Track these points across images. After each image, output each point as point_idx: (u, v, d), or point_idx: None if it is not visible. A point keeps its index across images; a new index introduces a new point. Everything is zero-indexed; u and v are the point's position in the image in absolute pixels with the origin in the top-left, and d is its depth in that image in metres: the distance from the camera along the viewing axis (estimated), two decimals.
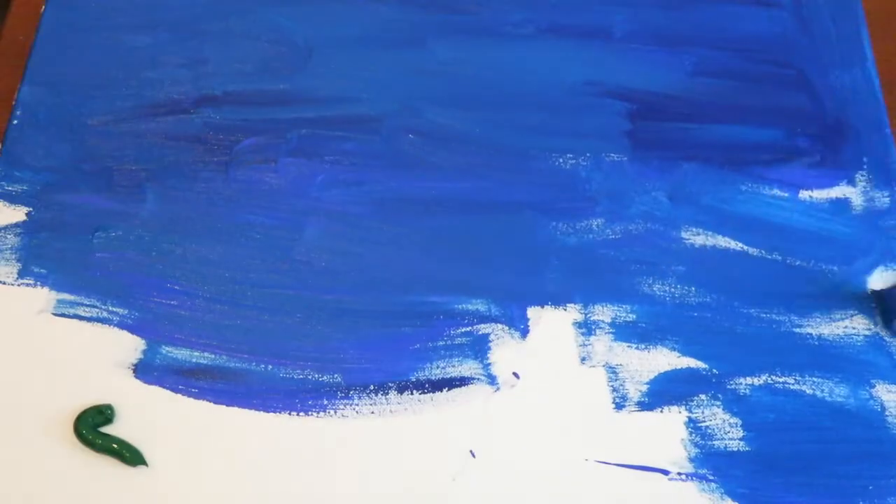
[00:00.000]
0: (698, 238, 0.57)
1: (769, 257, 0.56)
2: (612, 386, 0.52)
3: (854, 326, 0.54)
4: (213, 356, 0.52)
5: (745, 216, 0.57)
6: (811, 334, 0.54)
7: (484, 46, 0.63)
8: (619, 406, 0.51)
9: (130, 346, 0.52)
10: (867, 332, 0.54)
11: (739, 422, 0.51)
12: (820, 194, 0.58)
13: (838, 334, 0.54)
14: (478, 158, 0.59)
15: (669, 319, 0.54)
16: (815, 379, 0.52)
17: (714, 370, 0.53)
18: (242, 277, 0.55)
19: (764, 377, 0.52)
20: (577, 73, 0.62)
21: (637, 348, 0.53)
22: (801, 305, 0.55)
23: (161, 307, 0.54)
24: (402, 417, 0.51)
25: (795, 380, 0.52)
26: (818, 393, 0.52)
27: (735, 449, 0.50)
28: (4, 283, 0.54)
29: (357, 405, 0.51)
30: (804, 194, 0.58)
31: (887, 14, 0.65)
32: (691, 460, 0.50)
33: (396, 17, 0.64)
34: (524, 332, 0.53)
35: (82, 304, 0.54)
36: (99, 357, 0.52)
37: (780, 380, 0.52)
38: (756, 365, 0.53)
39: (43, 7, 0.64)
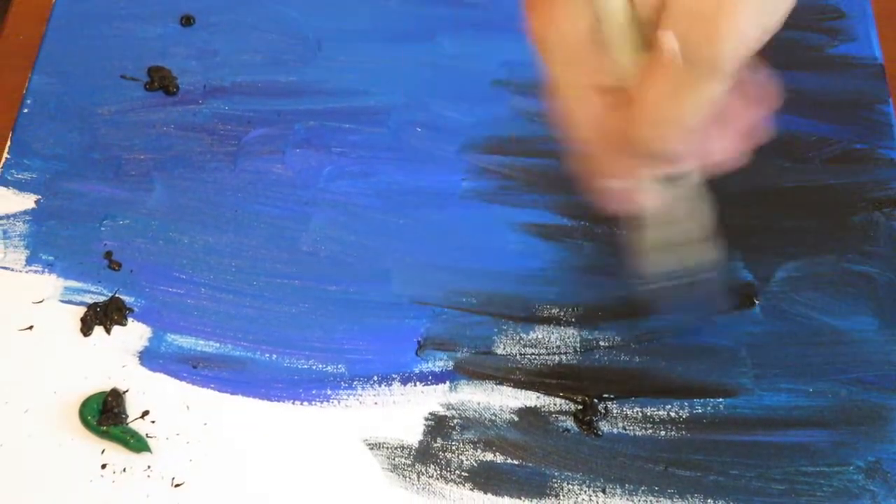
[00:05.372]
0: None
1: None
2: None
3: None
4: (217, 344, 0.53)
5: None
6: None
7: (493, 40, 0.63)
8: (621, 403, 0.51)
9: (136, 333, 0.53)
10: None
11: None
12: None
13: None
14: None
15: None
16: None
17: None
18: (248, 267, 0.55)
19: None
20: None
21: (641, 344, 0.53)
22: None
23: (167, 295, 0.54)
24: (406, 408, 0.51)
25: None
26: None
27: None
28: (12, 270, 0.55)
29: (360, 395, 0.51)
30: None
31: (889, 14, 0.64)
32: None
33: (405, 10, 0.64)
34: (528, 326, 0.53)
35: (89, 292, 0.54)
36: (104, 344, 0.52)
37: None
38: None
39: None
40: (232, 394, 0.51)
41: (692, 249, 0.46)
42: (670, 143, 0.36)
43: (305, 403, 0.51)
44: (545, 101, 0.39)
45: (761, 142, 0.40)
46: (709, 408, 0.51)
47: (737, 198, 0.57)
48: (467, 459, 0.49)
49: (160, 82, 0.61)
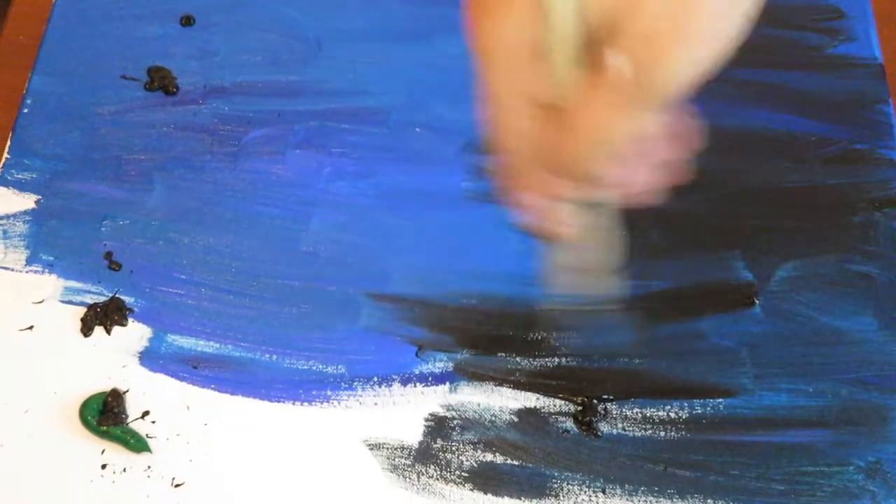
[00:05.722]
0: None
1: None
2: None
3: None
4: (218, 345, 0.53)
5: None
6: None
7: None
8: (620, 404, 0.51)
9: (136, 334, 0.53)
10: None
11: None
12: None
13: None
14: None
15: None
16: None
17: None
18: (249, 268, 0.55)
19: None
20: None
21: None
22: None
23: (167, 296, 0.54)
24: (406, 409, 0.51)
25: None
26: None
27: None
28: (13, 270, 0.55)
29: (360, 396, 0.51)
30: None
31: (889, 14, 0.64)
32: None
33: (405, 10, 0.64)
34: (528, 327, 0.53)
35: (89, 292, 0.54)
36: (105, 344, 0.52)
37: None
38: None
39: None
40: (232, 394, 0.51)
41: (598, 279, 0.46)
42: (599, 164, 0.36)
43: (305, 404, 0.51)
44: (480, 110, 0.38)
45: (678, 181, 0.39)
46: (709, 408, 0.51)
47: (737, 198, 0.57)
48: (467, 460, 0.49)
49: (160, 82, 0.61)
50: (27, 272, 0.55)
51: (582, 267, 0.46)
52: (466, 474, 0.49)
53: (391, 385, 0.51)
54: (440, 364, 0.52)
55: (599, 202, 0.40)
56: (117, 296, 0.54)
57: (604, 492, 0.49)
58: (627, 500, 0.48)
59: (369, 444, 0.50)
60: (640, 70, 0.31)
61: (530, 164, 0.38)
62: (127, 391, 0.51)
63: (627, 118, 0.33)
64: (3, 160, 0.58)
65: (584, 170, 0.36)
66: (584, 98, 0.34)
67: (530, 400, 0.51)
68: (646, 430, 0.50)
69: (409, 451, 0.50)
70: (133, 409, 0.51)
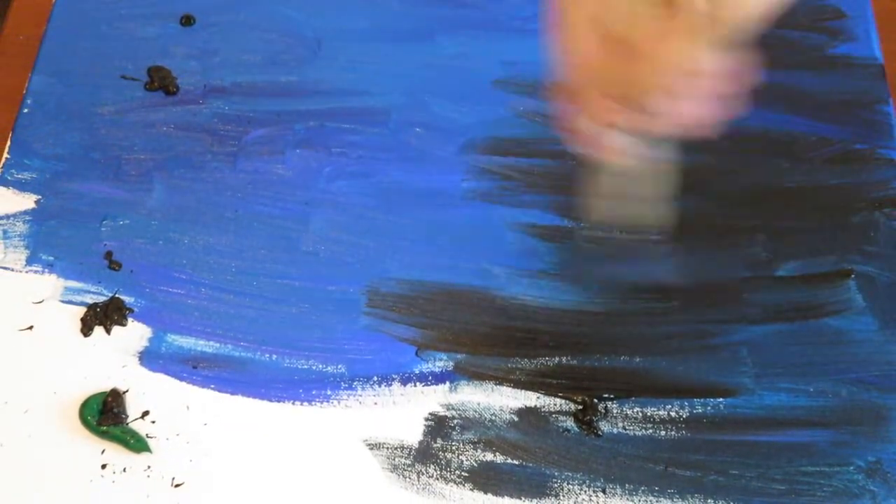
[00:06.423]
0: None
1: None
2: None
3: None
4: (218, 345, 0.53)
5: None
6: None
7: (493, 40, 0.63)
8: (621, 403, 0.51)
9: (136, 333, 0.53)
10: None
11: None
12: None
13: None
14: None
15: None
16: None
17: None
18: (249, 267, 0.55)
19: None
20: None
21: None
22: None
23: (167, 296, 0.54)
24: (406, 409, 0.51)
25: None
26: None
27: None
28: (13, 270, 0.55)
29: (360, 396, 0.51)
30: None
31: (889, 14, 0.64)
32: None
33: (405, 10, 0.65)
34: (528, 326, 0.53)
35: (89, 292, 0.54)
36: (105, 344, 0.52)
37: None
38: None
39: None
40: (232, 394, 0.51)
41: (645, 208, 0.46)
42: (661, 96, 0.37)
43: (305, 403, 0.51)
44: (549, 41, 0.39)
45: (732, 115, 0.40)
46: (709, 408, 0.51)
47: (737, 198, 0.57)
48: (467, 459, 0.49)
49: (160, 82, 0.61)
50: (27, 272, 0.55)
51: (627, 195, 0.46)
52: (466, 474, 0.49)
53: (391, 384, 0.51)
54: (440, 363, 0.52)
55: (654, 133, 0.41)
56: (117, 296, 0.54)
57: (604, 491, 0.48)
58: (628, 499, 0.48)
59: (369, 444, 0.50)
60: (715, 4, 0.33)
61: (593, 90, 0.39)
62: (127, 391, 0.51)
63: (698, 52, 0.35)
64: (3, 160, 0.58)
65: (648, 100, 0.38)
66: (656, 30, 0.35)
67: (530, 399, 0.51)
68: (646, 429, 0.50)
69: (409, 451, 0.50)
70: (133, 409, 0.51)
